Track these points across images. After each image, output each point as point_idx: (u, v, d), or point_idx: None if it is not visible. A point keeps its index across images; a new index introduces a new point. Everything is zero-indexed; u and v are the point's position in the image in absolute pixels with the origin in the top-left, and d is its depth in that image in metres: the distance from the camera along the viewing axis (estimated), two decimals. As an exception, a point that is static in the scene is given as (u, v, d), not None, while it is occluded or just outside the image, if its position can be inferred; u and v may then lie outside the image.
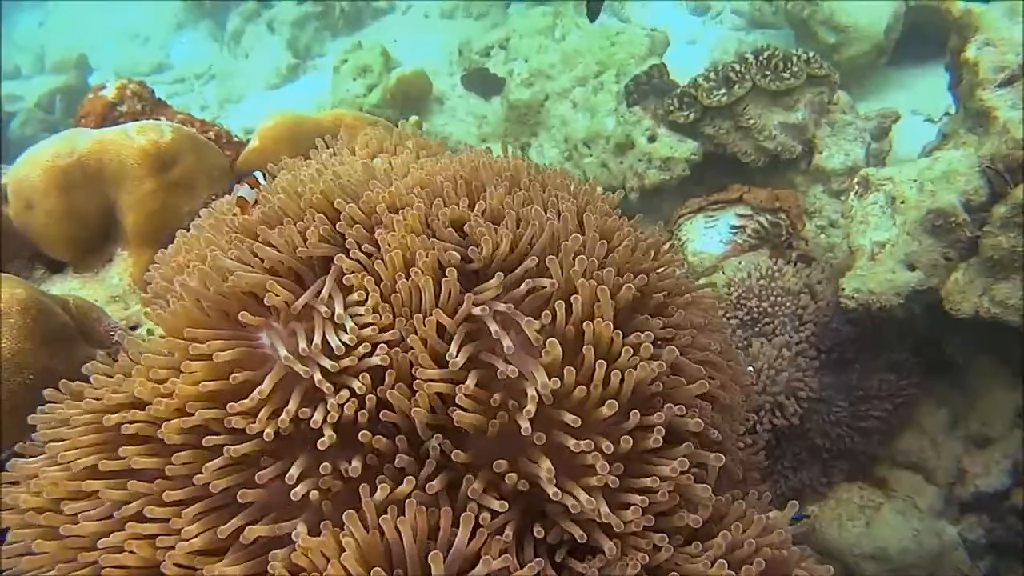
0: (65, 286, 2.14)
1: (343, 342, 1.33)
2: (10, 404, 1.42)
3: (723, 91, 4.23)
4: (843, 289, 3.28)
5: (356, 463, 1.28)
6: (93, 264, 2.14)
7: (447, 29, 6.85)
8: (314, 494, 1.25)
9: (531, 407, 1.27)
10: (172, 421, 1.27)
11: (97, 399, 1.33)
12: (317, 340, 1.33)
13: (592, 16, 4.36)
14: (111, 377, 1.41)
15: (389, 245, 1.40)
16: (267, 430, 1.26)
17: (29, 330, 1.54)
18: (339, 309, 1.35)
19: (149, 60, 7.63)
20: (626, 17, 6.69)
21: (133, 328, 1.95)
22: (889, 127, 4.52)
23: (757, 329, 3.51)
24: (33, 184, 2.04)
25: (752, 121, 4.20)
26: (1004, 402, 3.51)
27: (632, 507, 1.29)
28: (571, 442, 1.27)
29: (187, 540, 1.23)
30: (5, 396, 1.47)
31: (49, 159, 2.02)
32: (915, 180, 3.28)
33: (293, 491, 1.24)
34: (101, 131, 2.09)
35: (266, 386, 1.28)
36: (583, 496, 1.26)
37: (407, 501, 1.24)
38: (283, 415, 1.27)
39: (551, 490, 1.26)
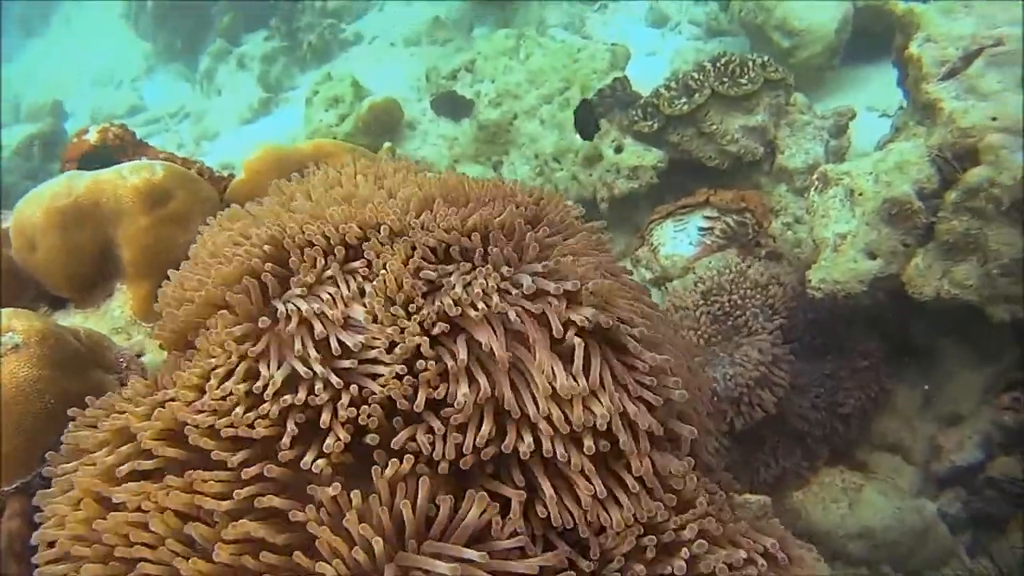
0: (68, 321, 2.24)
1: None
2: (34, 427, 1.52)
3: (684, 100, 4.40)
4: (810, 281, 3.42)
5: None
6: (94, 299, 2.24)
7: (413, 57, 7.01)
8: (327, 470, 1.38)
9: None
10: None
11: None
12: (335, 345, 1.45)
13: (586, 135, 4.45)
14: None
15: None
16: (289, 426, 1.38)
17: (47, 358, 1.65)
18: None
19: (123, 103, 7.74)
20: (587, 34, 6.87)
21: (138, 356, 2.06)
22: (846, 124, 4.69)
23: (729, 323, 3.65)
24: (35, 224, 2.14)
25: (714, 127, 4.36)
26: (971, 380, 3.66)
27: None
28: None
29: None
30: (30, 421, 1.57)
31: (49, 200, 2.13)
32: (870, 173, 3.44)
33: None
34: (97, 172, 2.20)
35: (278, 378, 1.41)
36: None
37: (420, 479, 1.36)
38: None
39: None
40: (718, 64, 4.40)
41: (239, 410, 1.41)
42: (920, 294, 3.31)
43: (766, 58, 4.39)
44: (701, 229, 3.89)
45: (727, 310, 3.61)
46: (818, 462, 3.70)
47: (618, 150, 4.62)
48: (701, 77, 4.36)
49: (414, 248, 1.55)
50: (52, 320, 1.78)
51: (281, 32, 7.40)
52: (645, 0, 7.00)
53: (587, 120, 4.13)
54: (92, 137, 3.41)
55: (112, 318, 2.20)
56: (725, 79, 4.31)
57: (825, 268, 3.38)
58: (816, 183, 3.62)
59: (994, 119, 3.20)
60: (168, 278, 2.07)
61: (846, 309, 3.49)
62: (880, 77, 5.78)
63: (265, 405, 1.42)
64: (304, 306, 1.49)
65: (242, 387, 1.42)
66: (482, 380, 1.42)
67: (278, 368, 1.44)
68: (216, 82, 7.38)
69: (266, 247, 1.58)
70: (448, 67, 5.79)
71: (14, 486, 1.59)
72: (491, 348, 1.42)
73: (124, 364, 1.86)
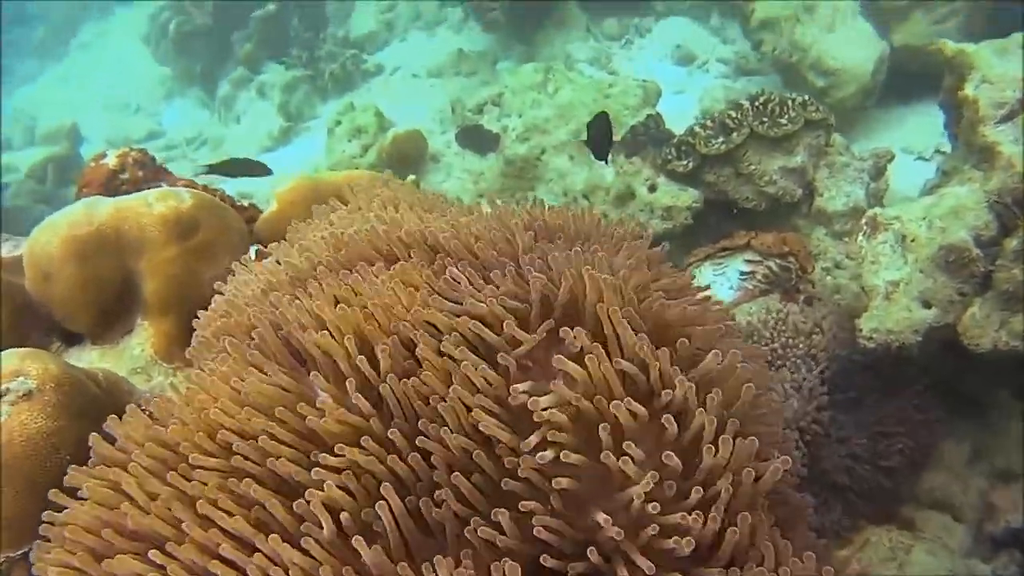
0: (83, 358, 2.09)
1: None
2: (47, 486, 1.35)
3: (721, 139, 4.27)
4: (860, 330, 3.26)
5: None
6: (112, 335, 2.09)
7: (436, 89, 6.92)
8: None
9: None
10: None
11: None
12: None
13: (600, 154, 3.67)
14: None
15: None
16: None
17: (64, 407, 1.49)
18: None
19: (140, 128, 7.67)
20: (613, 70, 6.78)
21: (162, 400, 1.89)
22: (884, 166, 4.56)
23: (772, 372, 3.49)
24: (51, 254, 1.99)
25: (752, 167, 4.23)
26: (1025, 436, 3.49)
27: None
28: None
29: None
30: (42, 479, 1.41)
31: (67, 228, 1.98)
32: (923, 218, 3.30)
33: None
34: (119, 199, 2.06)
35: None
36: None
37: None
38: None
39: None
40: (756, 103, 4.27)
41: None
42: (976, 345, 3.16)
43: (806, 97, 4.26)
44: (743, 274, 3.73)
45: (769, 359, 3.44)
46: (860, 520, 3.52)
47: (652, 189, 4.48)
48: (739, 116, 4.23)
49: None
50: (67, 363, 1.62)
51: (302, 61, 7.33)
52: (671, 38, 6.91)
53: (602, 135, 3.49)
54: (111, 161, 3.28)
55: (131, 357, 2.04)
56: (764, 119, 4.18)
57: (878, 317, 3.22)
58: (864, 228, 3.47)
59: (1056, 165, 3.06)
60: (193, 315, 1.92)
61: (895, 359, 3.33)
62: (914, 119, 5.68)
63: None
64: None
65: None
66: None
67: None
68: (235, 109, 7.30)
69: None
70: (474, 100, 5.68)
71: (20, 552, 1.42)
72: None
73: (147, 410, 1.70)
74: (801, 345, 3.50)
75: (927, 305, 3.20)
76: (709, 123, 4.35)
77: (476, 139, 5.72)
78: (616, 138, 3.54)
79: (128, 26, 8.77)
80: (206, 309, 1.92)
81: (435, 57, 7.33)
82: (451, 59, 7.06)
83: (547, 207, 1.91)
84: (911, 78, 5.47)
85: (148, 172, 3.22)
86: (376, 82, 7.34)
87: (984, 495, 3.53)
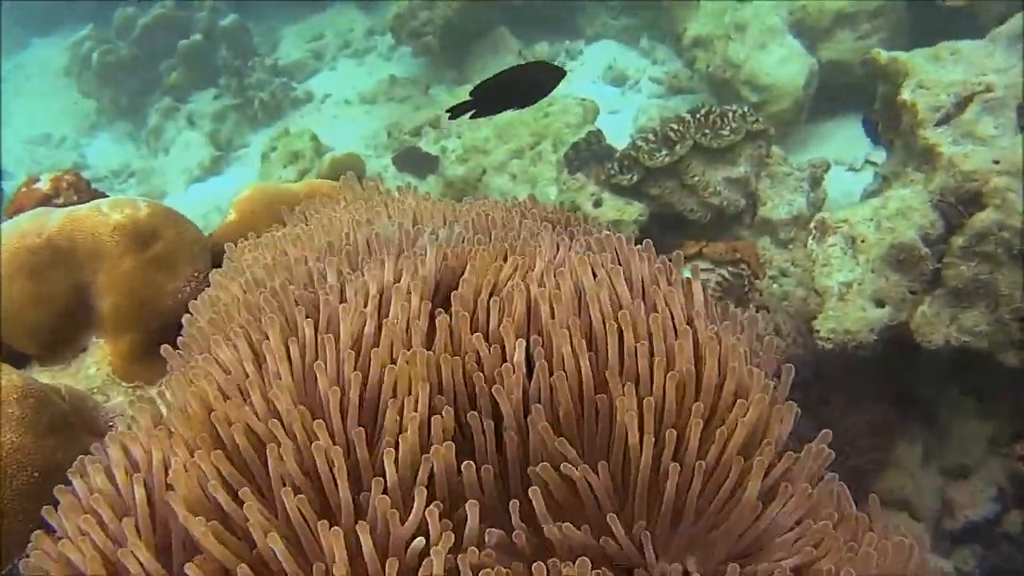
0: (31, 383, 1.93)
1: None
2: (15, 507, 1.22)
3: (664, 152, 4.29)
4: (818, 331, 3.29)
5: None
6: (63, 355, 1.94)
7: (370, 115, 6.84)
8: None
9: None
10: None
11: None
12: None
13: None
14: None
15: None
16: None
17: (30, 421, 1.35)
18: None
19: (64, 161, 7.35)
20: (547, 93, 6.80)
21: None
22: (821, 176, 4.65)
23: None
24: (-2, 268, 1.85)
25: (696, 178, 4.26)
26: (976, 430, 3.55)
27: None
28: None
29: None
30: (8, 499, 1.27)
31: (16, 239, 1.84)
32: (871, 219, 3.37)
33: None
34: (71, 208, 1.93)
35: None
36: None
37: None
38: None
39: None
40: (698, 115, 4.32)
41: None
42: (929, 342, 3.22)
43: (746, 108, 4.33)
44: (697, 281, 3.74)
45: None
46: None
47: (597, 204, 4.47)
48: (681, 128, 4.27)
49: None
50: (30, 375, 1.49)
51: (231, 89, 7.17)
52: (603, 60, 7.00)
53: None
54: (44, 186, 3.15)
55: (87, 376, 1.90)
56: (707, 130, 4.23)
57: (835, 318, 3.25)
58: (814, 231, 3.52)
59: (996, 163, 3.16)
60: (153, 329, 1.81)
61: (851, 360, 3.37)
62: (841, 132, 5.85)
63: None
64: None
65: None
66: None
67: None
68: (163, 140, 7.08)
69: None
70: (411, 123, 5.64)
71: (-13, 579, 1.28)
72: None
73: (113, 428, 1.57)
74: (760, 352, 3.52)
75: (880, 304, 3.25)
76: (651, 136, 4.37)
77: (415, 162, 5.67)
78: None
79: (47, 58, 8.46)
80: (167, 323, 1.82)
81: (366, 84, 7.26)
82: (383, 85, 7.00)
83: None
84: (837, 93, 5.63)
85: (83, 196, 3.07)
86: (307, 109, 7.22)
87: (940, 492, 3.58)
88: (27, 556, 1.22)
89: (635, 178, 4.37)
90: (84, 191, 3.20)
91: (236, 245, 1.87)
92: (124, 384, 1.89)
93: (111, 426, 1.59)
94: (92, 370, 1.91)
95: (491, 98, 2.20)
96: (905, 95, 3.52)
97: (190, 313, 1.62)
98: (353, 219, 1.66)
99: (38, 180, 3.20)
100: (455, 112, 2.16)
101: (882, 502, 3.67)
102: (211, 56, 7.57)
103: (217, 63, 7.53)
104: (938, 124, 3.41)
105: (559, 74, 2.35)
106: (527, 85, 2.35)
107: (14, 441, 1.33)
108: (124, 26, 7.89)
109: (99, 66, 7.49)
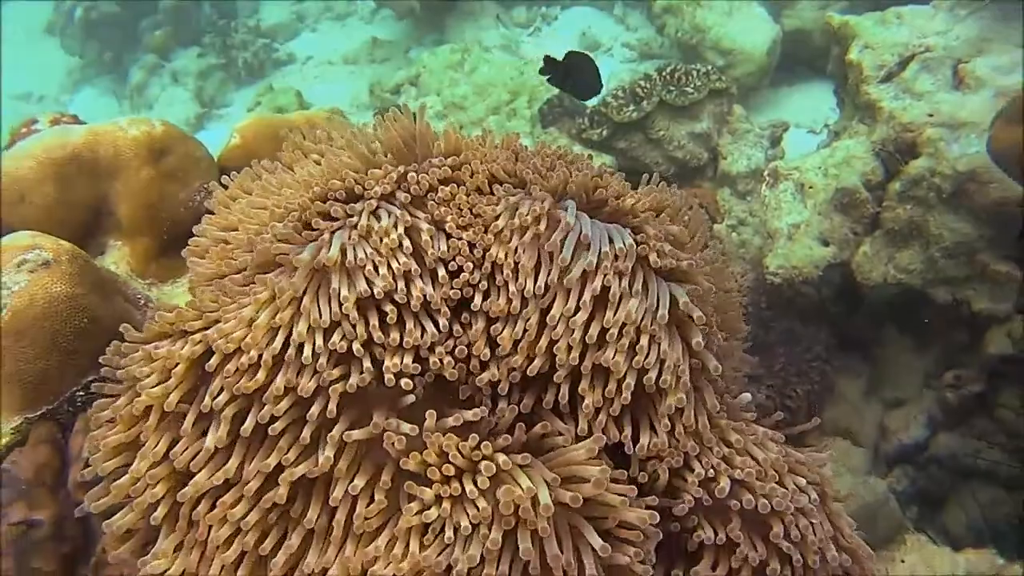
0: (56, 281, 2.16)
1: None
2: (68, 347, 1.46)
3: (632, 108, 4.56)
4: (767, 267, 3.58)
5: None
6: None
7: (353, 75, 7.03)
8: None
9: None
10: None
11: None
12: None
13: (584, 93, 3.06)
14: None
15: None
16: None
17: (79, 276, 1.59)
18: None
19: (46, 114, 7.44)
20: (521, 56, 7.03)
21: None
22: (780, 135, 4.94)
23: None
24: (25, 176, 2.07)
25: (662, 132, 4.53)
26: (912, 365, 3.85)
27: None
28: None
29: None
30: (63, 339, 1.52)
31: (42, 151, 2.07)
32: (820, 167, 3.65)
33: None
34: (92, 125, 2.15)
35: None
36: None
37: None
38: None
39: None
40: (664, 73, 4.58)
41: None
42: (868, 280, 3.51)
43: (710, 67, 4.60)
44: (659, 223, 4.01)
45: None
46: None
47: (569, 156, 4.72)
48: (648, 86, 4.53)
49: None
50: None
51: (215, 49, 7.33)
52: (577, 26, 7.22)
53: (581, 72, 2.71)
54: (43, 126, 3.33)
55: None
56: (672, 88, 4.49)
57: (782, 255, 3.54)
58: (767, 179, 3.80)
59: (930, 115, 3.44)
60: (166, 234, 2.05)
61: (799, 298, 3.66)
62: (802, 98, 6.13)
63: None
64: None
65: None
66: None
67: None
68: (147, 96, 7.23)
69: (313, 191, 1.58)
70: (392, 81, 5.84)
71: (40, 412, 1.52)
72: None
73: (142, 301, 1.81)
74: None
75: (825, 243, 3.54)
76: (620, 93, 4.63)
77: (395, 120, 5.86)
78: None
79: (25, 16, 8.53)
80: (178, 229, 2.05)
81: (348, 46, 7.43)
82: (365, 47, 7.19)
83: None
84: (801, 60, 5.91)
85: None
86: (290, 70, 7.40)
87: (879, 422, 3.88)
88: (79, 393, 1.47)
89: (604, 132, 4.64)
90: (84, 129, 3.40)
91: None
92: (140, 281, 2.13)
93: (139, 297, 1.83)
94: (112, 268, 2.15)
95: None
96: (852, 55, 3.79)
97: (200, 223, 1.85)
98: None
99: (36, 121, 3.39)
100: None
101: (827, 431, 3.99)
102: (195, 15, 7.71)
103: (200, 22, 7.67)
104: (882, 81, 3.68)
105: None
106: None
107: (69, 291, 1.57)
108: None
109: (83, 22, 7.60)
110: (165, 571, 1.29)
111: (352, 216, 1.49)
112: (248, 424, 1.32)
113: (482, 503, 1.29)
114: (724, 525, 1.49)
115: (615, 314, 1.46)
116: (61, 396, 1.54)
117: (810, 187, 3.61)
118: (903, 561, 2.92)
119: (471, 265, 1.50)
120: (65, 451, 1.48)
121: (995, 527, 3.40)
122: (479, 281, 1.50)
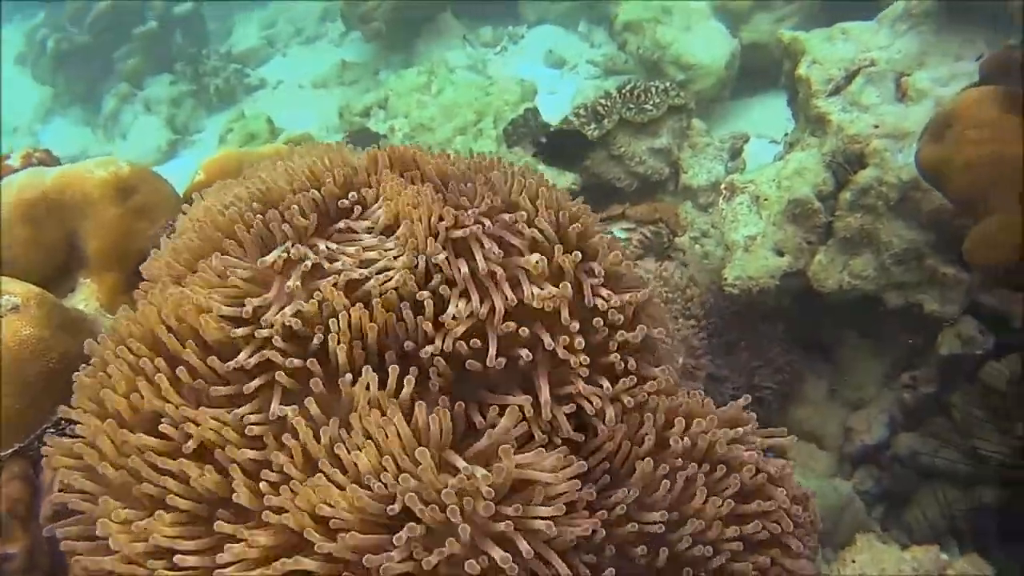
0: (28, 320, 2.24)
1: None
2: (37, 387, 1.55)
3: (594, 126, 4.67)
4: (726, 279, 3.69)
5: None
6: (56, 294, 2.25)
7: (322, 99, 7.14)
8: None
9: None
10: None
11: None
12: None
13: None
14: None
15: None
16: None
17: (48, 319, 1.68)
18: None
19: (20, 147, 7.48)
20: (489, 76, 7.16)
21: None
22: (741, 147, 5.07)
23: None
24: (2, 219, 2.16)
25: (623, 149, 4.65)
26: (871, 368, 3.97)
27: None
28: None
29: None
30: (33, 381, 1.60)
31: (16, 192, 2.16)
32: (773, 180, 3.77)
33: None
34: (61, 167, 2.24)
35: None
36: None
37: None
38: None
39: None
40: (623, 91, 4.70)
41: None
42: (824, 287, 3.63)
43: (668, 84, 4.72)
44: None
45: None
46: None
47: (534, 174, 4.83)
48: (609, 104, 4.65)
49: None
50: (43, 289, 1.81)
51: (187, 76, 7.42)
52: (543, 44, 7.36)
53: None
54: (15, 162, 3.38)
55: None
56: (631, 105, 4.61)
57: (739, 266, 3.65)
58: (724, 192, 3.92)
59: (876, 127, 3.57)
60: (134, 270, 2.13)
61: (759, 306, 3.78)
62: (762, 109, 6.28)
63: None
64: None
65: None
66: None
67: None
68: (120, 125, 7.31)
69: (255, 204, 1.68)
70: (361, 104, 5.94)
71: (12, 449, 1.60)
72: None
73: (110, 339, 1.89)
74: (679, 300, 3.91)
75: (780, 254, 3.66)
76: (583, 111, 4.75)
77: (364, 142, 5.97)
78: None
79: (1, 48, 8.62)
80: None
81: (317, 69, 7.55)
82: (335, 69, 7.30)
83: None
84: (758, 72, 6.06)
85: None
86: (261, 94, 7.50)
87: (843, 424, 4.00)
88: (49, 429, 1.56)
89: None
90: (55, 165, 3.47)
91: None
92: (109, 316, 2.21)
93: (106, 337, 1.91)
94: (82, 305, 2.23)
95: None
96: (802, 70, 3.92)
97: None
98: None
99: (9, 157, 3.46)
100: None
101: (793, 434, 4.11)
102: (166, 43, 7.80)
103: (172, 50, 7.77)
104: (830, 95, 3.82)
105: None
106: None
107: (36, 334, 1.65)
108: (77, 13, 8.06)
109: (55, 52, 7.68)
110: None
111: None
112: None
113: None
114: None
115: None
116: (32, 433, 1.62)
117: (765, 199, 3.73)
118: (854, 561, 3.02)
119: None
120: (37, 485, 1.56)
121: (954, 524, 3.51)
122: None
